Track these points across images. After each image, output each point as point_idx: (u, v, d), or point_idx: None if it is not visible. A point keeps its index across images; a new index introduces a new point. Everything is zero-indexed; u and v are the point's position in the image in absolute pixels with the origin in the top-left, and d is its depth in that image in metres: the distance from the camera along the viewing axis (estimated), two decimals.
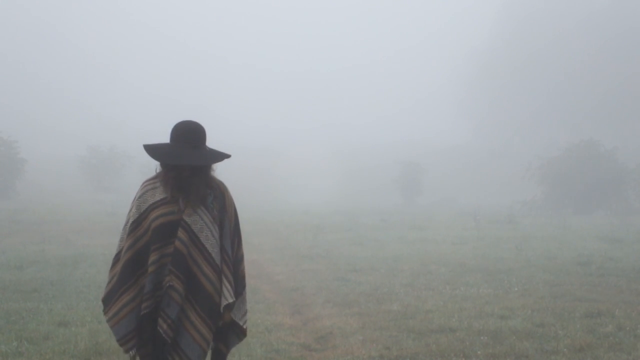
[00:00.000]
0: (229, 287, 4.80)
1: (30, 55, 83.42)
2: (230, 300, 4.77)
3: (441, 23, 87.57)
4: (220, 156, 4.85)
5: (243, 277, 4.98)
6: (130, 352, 4.83)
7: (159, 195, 4.81)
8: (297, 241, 18.89)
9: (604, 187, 30.70)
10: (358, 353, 7.65)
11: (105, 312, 4.83)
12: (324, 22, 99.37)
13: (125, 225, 4.89)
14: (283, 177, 48.76)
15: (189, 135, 4.79)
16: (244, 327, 4.93)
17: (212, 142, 5.44)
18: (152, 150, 4.86)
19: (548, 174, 32.13)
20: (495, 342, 7.99)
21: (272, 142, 65.58)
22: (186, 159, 4.76)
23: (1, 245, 17.09)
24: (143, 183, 4.94)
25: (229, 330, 4.92)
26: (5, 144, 33.00)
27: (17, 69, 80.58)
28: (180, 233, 4.74)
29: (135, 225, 4.81)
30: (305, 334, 8.70)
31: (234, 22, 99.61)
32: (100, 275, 12.77)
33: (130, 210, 4.91)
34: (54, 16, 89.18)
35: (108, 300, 4.84)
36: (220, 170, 5.06)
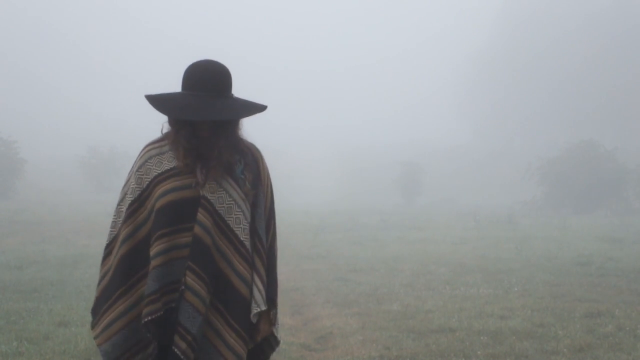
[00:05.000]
0: (261, 288, 3.55)
1: (30, 56, 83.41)
2: (263, 308, 3.53)
3: (441, 23, 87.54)
4: (253, 107, 3.51)
5: (276, 279, 3.67)
6: None
7: (167, 163, 3.49)
8: (297, 241, 18.89)
9: (604, 187, 30.69)
10: (358, 353, 7.64)
11: (92, 326, 3.56)
12: (325, 22, 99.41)
13: (119, 204, 3.57)
14: (283, 177, 48.75)
15: (208, 80, 3.46)
16: (279, 338, 3.73)
17: None
18: (158, 101, 3.49)
19: (548, 174, 32.12)
20: (495, 342, 7.99)
21: (272, 141, 65.49)
22: (207, 113, 3.42)
23: (1, 245, 17.09)
24: (145, 147, 3.58)
25: (263, 343, 3.69)
26: (5, 144, 32.99)
27: (17, 69, 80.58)
28: (201, 215, 3.44)
29: (136, 206, 3.50)
30: (305, 334, 8.70)
31: (234, 21, 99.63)
32: None
33: (127, 184, 3.56)
34: (54, 16, 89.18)
35: (97, 310, 3.55)
36: None
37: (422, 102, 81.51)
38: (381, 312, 9.74)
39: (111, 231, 3.58)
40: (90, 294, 10.93)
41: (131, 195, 3.51)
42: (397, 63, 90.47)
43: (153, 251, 3.43)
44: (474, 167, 50.09)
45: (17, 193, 32.63)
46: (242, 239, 3.50)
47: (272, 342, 3.69)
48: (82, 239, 18.70)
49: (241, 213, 3.50)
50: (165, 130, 3.57)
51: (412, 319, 9.28)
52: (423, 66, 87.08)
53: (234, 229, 3.49)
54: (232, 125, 3.51)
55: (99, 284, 3.57)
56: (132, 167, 3.58)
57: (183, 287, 3.42)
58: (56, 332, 8.36)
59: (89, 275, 12.78)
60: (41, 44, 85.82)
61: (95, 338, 3.55)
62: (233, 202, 3.49)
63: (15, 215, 23.37)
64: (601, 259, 14.94)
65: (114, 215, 3.58)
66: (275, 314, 3.65)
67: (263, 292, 3.54)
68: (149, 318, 3.40)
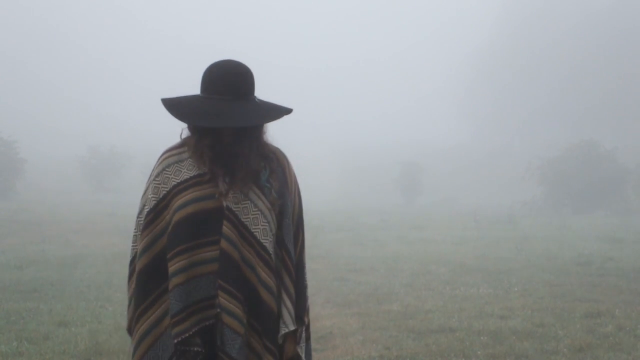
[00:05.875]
0: (290, 307, 3.30)
1: (30, 55, 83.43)
2: (291, 328, 3.29)
3: (441, 23, 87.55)
4: (278, 111, 3.29)
5: (305, 295, 3.40)
6: None
7: (186, 171, 3.26)
8: None
9: (604, 187, 30.69)
10: (358, 353, 7.64)
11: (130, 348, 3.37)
12: (325, 20, 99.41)
13: (139, 216, 3.35)
14: None
15: (229, 82, 3.22)
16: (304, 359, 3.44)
17: None
18: (175, 106, 3.25)
19: (548, 174, 32.12)
20: (495, 342, 7.99)
21: (272, 141, 65.50)
22: (228, 119, 3.18)
23: (1, 245, 17.08)
24: (163, 154, 3.35)
25: None
26: (5, 144, 32.98)
27: (17, 69, 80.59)
28: (227, 228, 3.21)
29: (153, 216, 3.28)
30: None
31: (234, 20, 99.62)
32: (100, 276, 12.78)
33: (144, 194, 3.34)
34: (54, 16, 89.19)
35: (131, 331, 3.36)
36: None
37: (422, 101, 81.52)
38: (381, 312, 9.74)
39: (133, 246, 3.34)
40: (91, 294, 10.94)
41: (148, 207, 3.29)
42: (397, 62, 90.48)
43: (173, 268, 3.19)
44: (474, 167, 50.08)
45: (17, 193, 32.61)
46: (270, 251, 3.26)
47: None
48: (82, 239, 18.69)
49: (267, 224, 3.26)
50: (184, 136, 3.31)
51: (412, 319, 9.28)
52: (423, 66, 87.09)
53: (262, 241, 3.25)
54: (256, 130, 3.29)
55: (129, 304, 3.36)
56: (150, 175, 3.36)
57: (219, 310, 3.19)
58: (56, 332, 8.36)
59: (89, 275, 12.78)
60: (42, 44, 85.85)
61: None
62: (259, 213, 3.25)
63: (15, 215, 23.36)
64: (601, 259, 14.93)
65: (135, 229, 3.35)
66: (302, 333, 3.38)
67: (292, 311, 3.30)
68: (179, 339, 3.19)
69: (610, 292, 11.02)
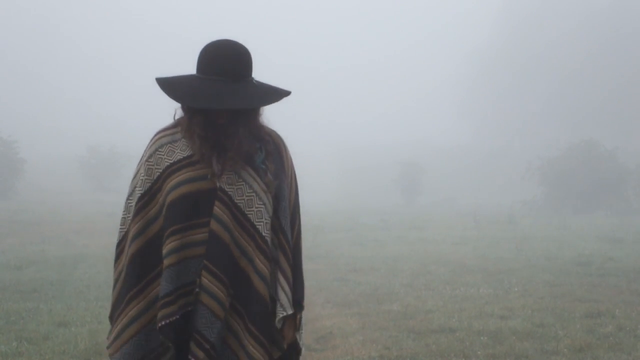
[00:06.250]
0: (287, 290, 3.26)
1: (30, 55, 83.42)
2: (289, 312, 3.26)
3: (441, 23, 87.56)
4: (277, 93, 3.20)
5: (302, 279, 3.39)
6: None
7: (179, 152, 3.16)
8: None
9: (604, 187, 30.69)
10: (358, 353, 7.64)
11: (108, 335, 3.26)
12: (324, 20, 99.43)
13: (129, 198, 3.23)
14: None
15: (226, 62, 3.11)
16: (301, 346, 3.48)
17: None
18: (170, 85, 3.14)
19: (548, 174, 32.12)
20: (495, 342, 7.98)
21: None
22: (224, 101, 3.08)
23: (1, 245, 17.09)
24: (155, 134, 3.26)
25: (290, 349, 3.43)
26: (5, 144, 32.96)
27: (17, 69, 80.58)
28: (218, 209, 3.12)
29: (146, 199, 3.17)
30: (305, 334, 8.68)
31: (235, 20, 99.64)
32: (100, 276, 12.77)
33: (136, 176, 3.23)
34: (54, 16, 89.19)
35: (112, 317, 3.25)
36: None
37: (422, 101, 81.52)
38: (381, 312, 9.73)
39: (121, 229, 3.24)
40: (90, 294, 10.93)
41: (140, 188, 3.17)
42: (397, 62, 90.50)
43: (166, 249, 3.10)
44: (474, 167, 50.08)
45: (17, 193, 32.61)
46: (264, 234, 3.16)
47: (293, 352, 3.42)
48: (82, 239, 18.70)
49: (262, 206, 3.16)
50: (177, 116, 3.22)
51: (412, 319, 9.28)
52: (423, 66, 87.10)
53: (256, 223, 3.15)
54: (252, 112, 3.19)
55: (113, 288, 3.28)
56: (142, 156, 3.23)
57: (198, 290, 3.09)
58: (56, 332, 8.36)
59: (88, 276, 12.78)
60: (41, 44, 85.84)
61: (107, 348, 3.22)
62: (254, 194, 3.15)
63: (15, 215, 23.37)
64: (601, 259, 14.93)
65: (124, 211, 3.24)
66: (301, 318, 3.36)
67: (289, 294, 3.25)
68: (164, 322, 3.07)
69: (610, 292, 11.02)
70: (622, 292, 11.03)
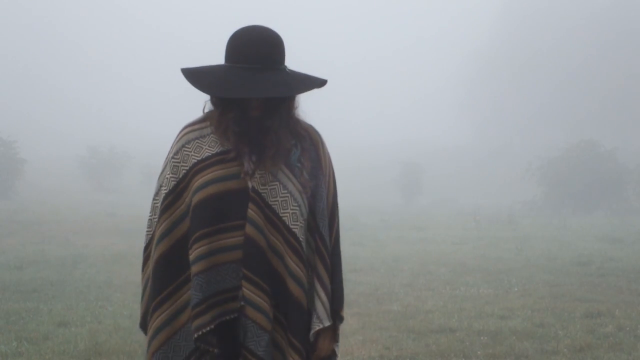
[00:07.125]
0: (324, 300, 2.97)
1: (30, 55, 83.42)
2: (326, 324, 2.96)
3: (441, 22, 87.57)
4: (311, 82, 2.96)
5: (341, 287, 3.05)
6: None
7: (207, 148, 2.92)
8: None
9: (604, 187, 30.69)
10: (358, 353, 7.63)
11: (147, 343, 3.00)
12: (324, 19, 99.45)
13: (155, 198, 3.01)
14: None
15: (257, 49, 2.86)
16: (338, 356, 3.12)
17: None
18: (196, 76, 2.90)
19: (548, 174, 32.12)
20: (495, 342, 7.99)
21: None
22: (256, 89, 2.83)
23: (1, 245, 17.08)
24: (182, 129, 3.00)
25: None
26: (5, 144, 32.96)
27: (17, 69, 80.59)
28: (252, 212, 2.89)
29: (172, 199, 2.94)
30: None
31: (235, 20, 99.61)
32: (100, 276, 12.78)
33: (162, 174, 3.00)
34: (54, 16, 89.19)
35: (144, 324, 3.03)
36: None
37: (422, 101, 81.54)
38: (381, 312, 9.73)
39: (147, 231, 2.99)
40: (90, 294, 10.93)
41: (166, 187, 2.93)
42: (397, 62, 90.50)
43: (193, 255, 2.86)
44: (474, 167, 50.08)
45: (17, 193, 32.61)
46: (300, 238, 2.91)
47: None
48: (82, 239, 18.69)
49: (298, 208, 2.91)
50: (207, 110, 2.97)
51: (412, 319, 9.28)
52: (423, 65, 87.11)
53: (291, 226, 2.90)
54: (287, 104, 2.95)
55: (142, 295, 3.02)
56: (168, 153, 2.99)
57: (242, 303, 2.86)
58: (56, 332, 8.36)
59: (88, 276, 12.78)
60: (41, 44, 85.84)
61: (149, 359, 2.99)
62: (288, 195, 2.90)
63: (15, 215, 23.36)
64: (601, 259, 14.93)
65: (150, 213, 3.00)
66: (338, 329, 3.06)
67: (327, 304, 2.96)
68: (200, 333, 2.86)
69: (610, 292, 11.02)
70: (622, 292, 11.03)
